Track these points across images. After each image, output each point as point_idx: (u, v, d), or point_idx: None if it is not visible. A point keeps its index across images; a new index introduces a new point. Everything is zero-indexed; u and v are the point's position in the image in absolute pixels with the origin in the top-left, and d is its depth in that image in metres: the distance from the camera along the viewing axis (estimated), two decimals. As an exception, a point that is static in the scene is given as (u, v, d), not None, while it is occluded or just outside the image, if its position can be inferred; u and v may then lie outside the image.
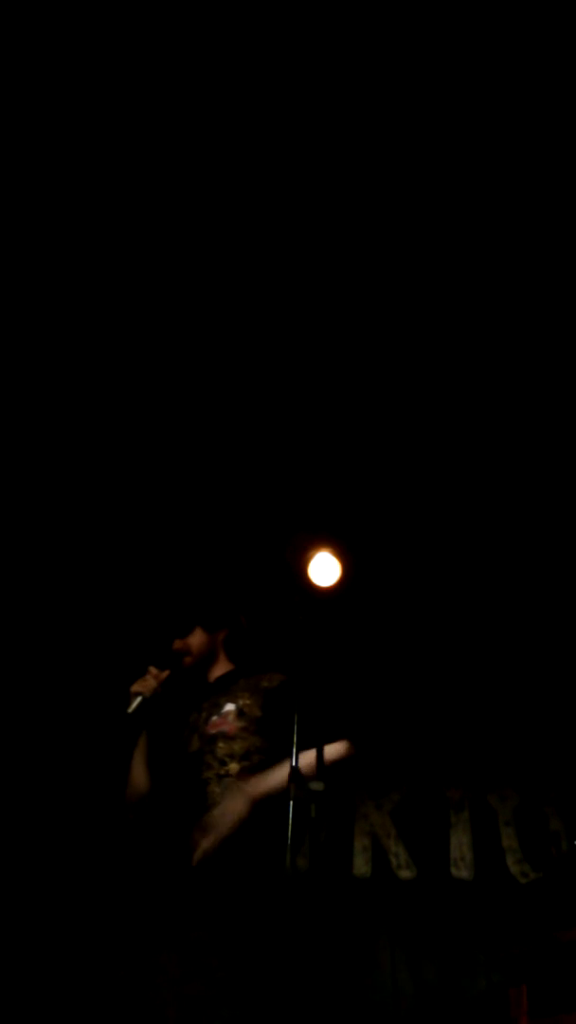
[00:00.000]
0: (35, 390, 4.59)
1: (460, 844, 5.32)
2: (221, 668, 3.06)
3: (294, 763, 2.57)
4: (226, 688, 2.97)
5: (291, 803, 2.47)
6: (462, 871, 5.24)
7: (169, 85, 3.50)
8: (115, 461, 4.92)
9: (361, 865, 5.34)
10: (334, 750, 2.69)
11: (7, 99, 3.49)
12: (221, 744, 2.77)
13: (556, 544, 5.19)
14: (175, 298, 4.28)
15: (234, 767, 2.73)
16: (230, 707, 2.87)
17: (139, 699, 2.77)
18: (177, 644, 3.02)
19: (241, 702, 2.89)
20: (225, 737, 2.78)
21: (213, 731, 2.79)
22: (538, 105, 3.51)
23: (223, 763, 2.74)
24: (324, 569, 4.92)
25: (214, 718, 2.85)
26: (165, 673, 2.90)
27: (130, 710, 2.76)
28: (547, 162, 3.70)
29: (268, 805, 2.63)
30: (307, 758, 2.60)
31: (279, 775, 2.63)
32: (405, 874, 5.29)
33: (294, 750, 2.58)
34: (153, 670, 2.88)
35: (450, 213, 3.91)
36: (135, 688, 2.81)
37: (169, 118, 3.60)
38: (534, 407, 4.64)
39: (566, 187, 3.76)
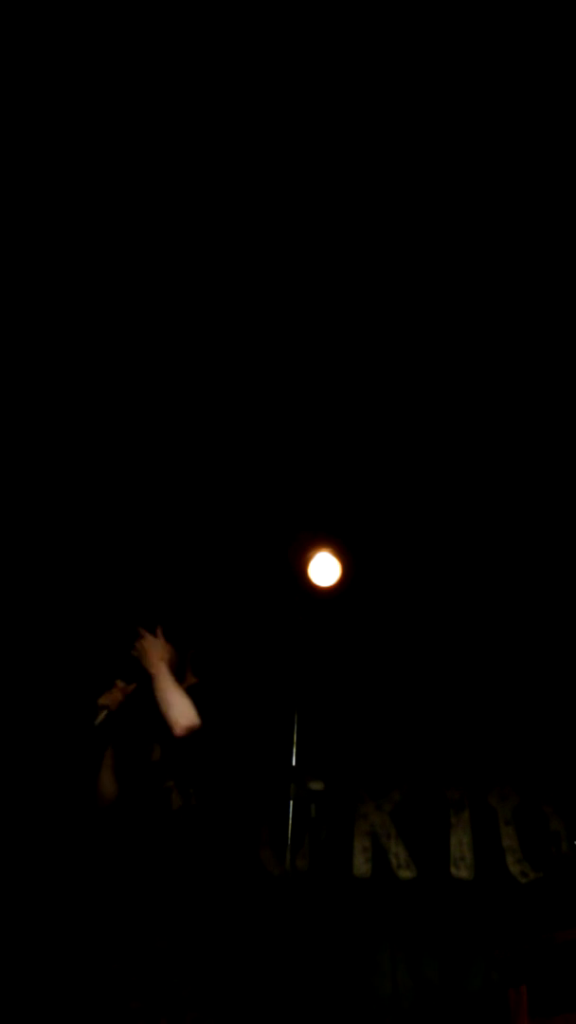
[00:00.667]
0: (30, 390, 4.58)
1: (460, 844, 5.32)
2: (188, 682, 3.10)
3: (294, 762, 2.58)
4: None
5: (291, 803, 2.48)
6: (462, 871, 5.24)
7: (169, 85, 3.50)
8: (100, 469, 4.91)
9: (361, 865, 5.34)
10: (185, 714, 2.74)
11: (7, 99, 3.49)
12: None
13: (556, 544, 5.19)
14: (175, 298, 4.28)
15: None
16: None
17: (105, 712, 2.85)
18: None
19: None
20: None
21: None
22: (538, 105, 3.51)
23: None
24: (324, 569, 4.93)
25: None
26: (132, 686, 2.97)
27: (97, 722, 2.84)
28: (547, 162, 3.69)
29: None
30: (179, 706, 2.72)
31: (175, 698, 2.77)
32: (405, 874, 5.29)
33: (294, 750, 2.59)
34: (120, 683, 2.95)
35: (449, 212, 3.91)
36: (102, 701, 2.88)
37: (169, 118, 3.60)
38: (533, 407, 4.64)
39: (566, 187, 3.76)
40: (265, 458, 4.95)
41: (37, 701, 5.28)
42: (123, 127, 3.63)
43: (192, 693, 2.89)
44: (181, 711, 2.74)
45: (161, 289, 4.24)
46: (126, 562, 5.22)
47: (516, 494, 5.02)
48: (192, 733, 2.72)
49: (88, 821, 4.32)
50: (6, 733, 5.15)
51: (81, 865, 4.77)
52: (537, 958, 3.44)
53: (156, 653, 2.91)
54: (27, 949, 4.67)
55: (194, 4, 3.26)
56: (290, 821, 2.57)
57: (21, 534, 5.08)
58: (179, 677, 3.02)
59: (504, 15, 3.24)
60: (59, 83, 3.47)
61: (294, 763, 2.90)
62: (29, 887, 4.86)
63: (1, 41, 3.32)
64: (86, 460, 4.90)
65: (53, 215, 3.91)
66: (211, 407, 4.73)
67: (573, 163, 3.68)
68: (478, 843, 5.31)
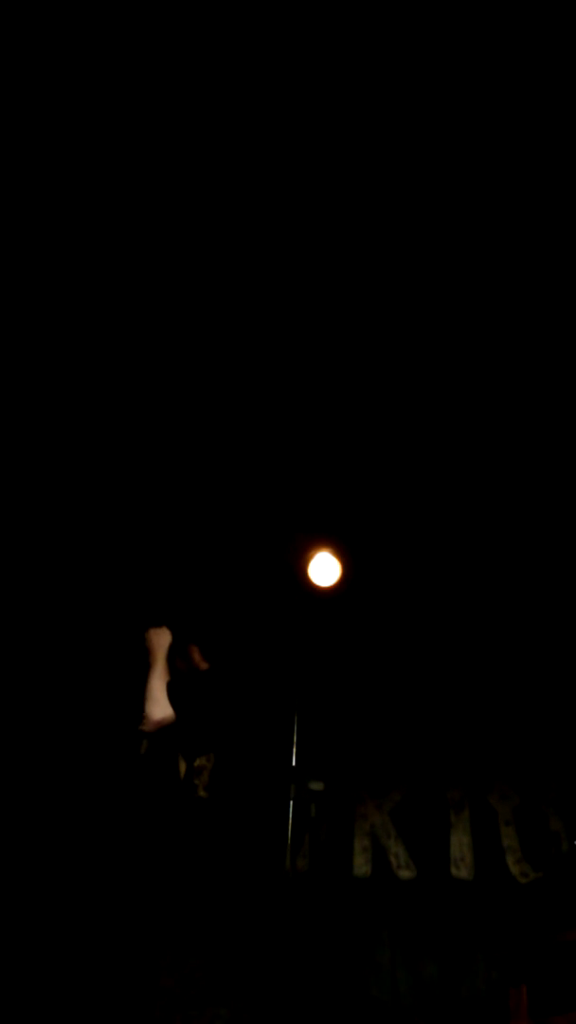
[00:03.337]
0: (30, 390, 4.58)
1: (460, 844, 5.32)
2: (200, 667, 3.35)
3: (294, 762, 2.59)
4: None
5: (291, 803, 2.48)
6: (462, 871, 5.24)
7: (169, 85, 3.50)
8: (102, 470, 4.91)
9: (361, 865, 5.34)
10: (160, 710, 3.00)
11: (7, 99, 3.49)
12: None
13: (555, 544, 5.19)
14: (175, 298, 4.28)
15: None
16: None
17: (145, 741, 3.07)
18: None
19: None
20: None
21: None
22: (538, 105, 3.51)
23: None
24: (324, 569, 4.93)
25: None
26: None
27: (142, 751, 3.06)
28: (547, 162, 3.69)
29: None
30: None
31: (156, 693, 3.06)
32: (405, 874, 5.29)
33: (294, 750, 2.60)
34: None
35: (449, 213, 3.91)
36: (141, 728, 3.10)
37: (169, 118, 3.60)
38: (533, 407, 4.64)
39: (566, 187, 3.76)
40: (265, 459, 4.95)
41: (44, 697, 5.30)
42: (123, 128, 3.63)
43: (203, 680, 3.12)
44: (157, 705, 3.02)
45: (161, 290, 4.24)
46: (128, 563, 5.22)
47: (516, 494, 5.02)
48: (161, 728, 2.97)
49: (100, 818, 4.39)
50: (15, 730, 5.18)
51: (96, 861, 4.80)
52: (537, 958, 3.44)
53: (159, 641, 3.22)
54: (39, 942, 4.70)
55: (194, 4, 3.26)
56: (290, 821, 2.58)
57: (24, 536, 5.08)
58: (187, 666, 3.24)
59: (504, 15, 3.24)
60: (60, 84, 3.47)
61: (294, 763, 2.92)
62: (51, 881, 4.89)
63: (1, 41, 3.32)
64: (88, 461, 4.90)
65: (53, 216, 3.91)
66: (212, 408, 4.73)
67: (573, 163, 3.68)
68: (478, 843, 5.30)
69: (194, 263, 4.13)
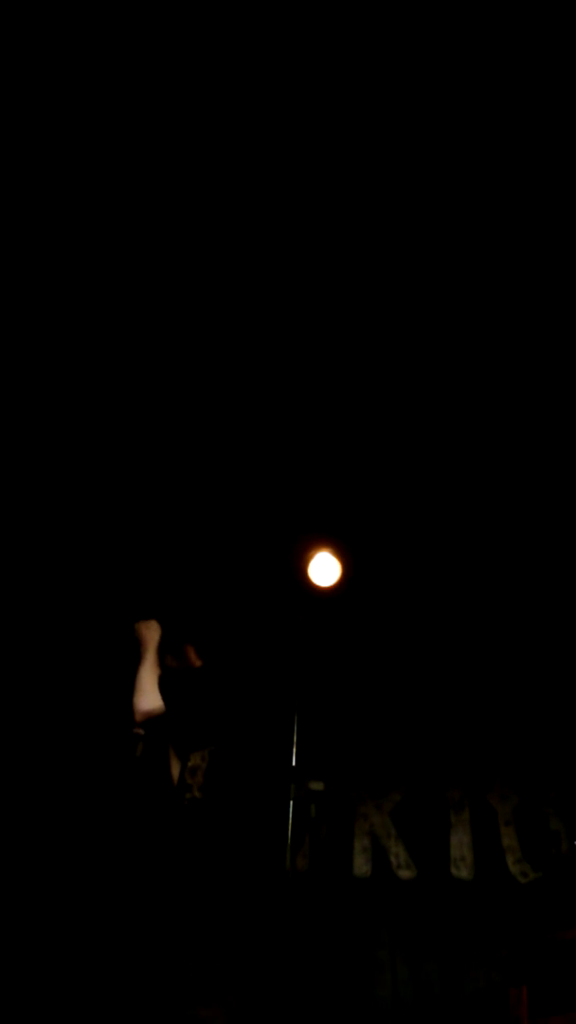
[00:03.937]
0: (32, 391, 4.59)
1: (460, 844, 5.32)
2: (195, 664, 3.39)
3: (294, 762, 2.59)
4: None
5: (291, 803, 2.48)
6: (462, 871, 5.24)
7: (169, 85, 3.50)
8: (103, 470, 4.92)
9: (361, 865, 5.34)
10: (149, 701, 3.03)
11: (7, 99, 3.49)
12: None
13: (555, 544, 5.19)
14: (176, 299, 4.28)
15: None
16: None
17: (140, 742, 3.09)
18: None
19: None
20: None
21: None
22: (538, 105, 3.51)
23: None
24: (324, 569, 4.93)
25: None
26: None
27: (137, 754, 3.08)
28: (547, 162, 3.70)
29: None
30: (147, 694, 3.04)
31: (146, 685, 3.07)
32: (405, 874, 5.29)
33: (294, 750, 2.60)
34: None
35: (449, 213, 3.91)
36: (135, 731, 3.11)
37: (169, 118, 3.60)
38: (533, 407, 4.64)
39: (566, 187, 3.76)
40: (266, 458, 4.95)
41: (41, 695, 5.30)
42: (123, 128, 3.63)
43: (197, 677, 3.13)
44: (145, 697, 3.03)
45: (162, 290, 4.24)
46: (129, 563, 5.22)
47: (515, 493, 5.02)
48: (150, 718, 2.98)
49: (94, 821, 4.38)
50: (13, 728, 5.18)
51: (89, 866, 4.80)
52: (537, 958, 3.44)
53: (148, 634, 3.23)
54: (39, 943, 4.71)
55: (194, 4, 3.26)
56: (290, 821, 2.59)
57: (25, 535, 5.09)
58: (181, 663, 3.24)
59: (504, 15, 3.25)
60: (60, 84, 3.47)
61: (294, 763, 2.92)
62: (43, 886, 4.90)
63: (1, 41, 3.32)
64: (89, 461, 4.91)
65: (54, 216, 3.91)
66: (213, 407, 4.73)
67: (573, 163, 3.68)
68: (478, 843, 5.31)
69: (194, 264, 4.13)
